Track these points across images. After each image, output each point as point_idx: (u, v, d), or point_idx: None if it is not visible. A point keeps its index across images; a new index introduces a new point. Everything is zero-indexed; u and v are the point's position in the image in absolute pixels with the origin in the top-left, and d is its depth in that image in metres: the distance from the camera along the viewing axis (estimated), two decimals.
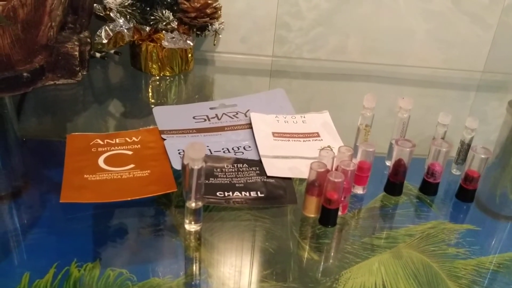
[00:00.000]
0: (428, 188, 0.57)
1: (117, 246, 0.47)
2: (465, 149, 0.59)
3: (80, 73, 0.74)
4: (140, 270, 0.45)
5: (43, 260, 0.45)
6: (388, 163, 0.62)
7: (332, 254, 0.49)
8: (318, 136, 0.65)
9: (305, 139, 0.64)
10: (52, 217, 0.50)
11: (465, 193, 0.56)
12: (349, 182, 0.50)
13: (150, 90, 0.79)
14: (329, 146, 0.63)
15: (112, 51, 0.81)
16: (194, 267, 0.46)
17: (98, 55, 0.80)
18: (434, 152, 0.55)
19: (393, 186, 0.56)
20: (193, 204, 0.48)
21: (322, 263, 0.47)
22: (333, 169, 0.52)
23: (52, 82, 0.73)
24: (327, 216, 0.50)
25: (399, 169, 0.55)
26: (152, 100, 0.75)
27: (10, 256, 0.45)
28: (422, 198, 0.57)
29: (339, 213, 0.51)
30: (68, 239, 0.48)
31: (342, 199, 0.50)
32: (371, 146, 0.54)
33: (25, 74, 0.68)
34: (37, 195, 0.54)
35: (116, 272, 0.44)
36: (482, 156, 0.54)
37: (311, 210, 0.52)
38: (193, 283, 0.44)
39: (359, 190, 0.56)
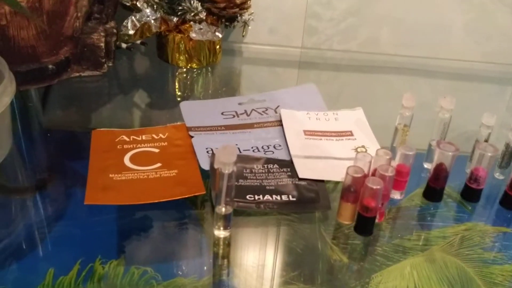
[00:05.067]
0: (471, 194, 0.53)
1: (141, 243, 0.46)
2: (510, 152, 0.56)
3: (105, 65, 0.73)
4: (165, 269, 0.44)
5: (67, 256, 0.44)
6: (426, 165, 0.59)
7: (362, 256, 0.47)
8: (352, 135, 0.62)
9: (338, 137, 0.61)
10: (76, 211, 0.50)
11: (511, 200, 0.53)
12: (388, 188, 0.47)
13: (176, 83, 0.77)
14: (363, 146, 0.60)
15: (138, 42, 0.79)
16: (220, 267, 0.45)
17: (124, 45, 0.78)
18: (478, 156, 0.52)
19: (433, 191, 0.53)
20: (223, 209, 0.46)
21: (352, 266, 0.45)
22: (370, 173, 0.49)
23: (77, 74, 0.72)
24: (364, 225, 0.48)
25: (440, 174, 0.52)
26: (179, 93, 0.73)
27: (35, 251, 0.45)
28: (461, 202, 0.54)
29: (376, 220, 0.48)
30: (92, 234, 0.47)
31: (380, 206, 0.48)
32: (411, 149, 0.51)
33: (50, 66, 0.66)
34: (62, 189, 0.53)
35: (141, 270, 0.43)
36: None
37: (346, 217, 0.49)
38: (218, 283, 0.43)
39: (396, 195, 0.53)
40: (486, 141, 0.55)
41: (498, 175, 0.58)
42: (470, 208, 0.53)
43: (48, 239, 0.46)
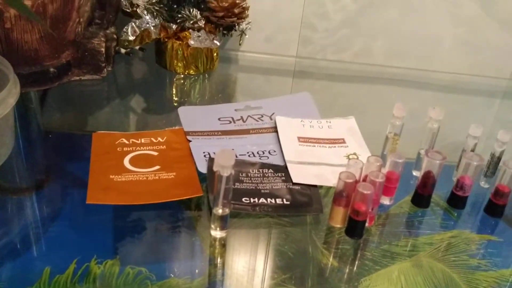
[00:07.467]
0: (457, 201, 0.56)
1: (136, 244, 0.47)
2: (495, 162, 0.58)
3: (105, 69, 0.74)
4: (159, 269, 0.45)
5: (63, 255, 0.45)
6: (415, 173, 0.61)
7: (351, 260, 0.48)
8: (344, 142, 0.64)
9: (330, 145, 0.63)
10: (72, 212, 0.51)
11: (495, 208, 0.55)
12: (378, 194, 0.49)
13: (174, 88, 0.78)
14: (355, 153, 0.62)
15: (137, 47, 0.81)
16: (213, 269, 0.46)
17: (123, 50, 0.80)
18: (464, 165, 0.54)
19: (421, 198, 0.55)
20: (220, 211, 0.47)
21: (341, 270, 0.47)
22: (361, 179, 0.51)
23: (77, 78, 0.73)
24: (354, 228, 0.50)
25: (428, 181, 0.54)
26: (176, 99, 0.75)
27: (32, 250, 0.46)
28: (447, 210, 0.56)
29: (366, 224, 0.50)
30: (88, 234, 0.48)
31: (370, 210, 0.50)
32: (400, 156, 0.53)
33: (52, 69, 0.68)
34: (59, 190, 0.54)
35: (136, 270, 0.44)
36: None
37: (338, 221, 0.51)
38: (211, 284, 0.44)
39: (385, 201, 0.55)
40: (472, 151, 0.57)
41: (483, 184, 0.60)
42: (456, 215, 0.55)
43: (45, 239, 0.47)
